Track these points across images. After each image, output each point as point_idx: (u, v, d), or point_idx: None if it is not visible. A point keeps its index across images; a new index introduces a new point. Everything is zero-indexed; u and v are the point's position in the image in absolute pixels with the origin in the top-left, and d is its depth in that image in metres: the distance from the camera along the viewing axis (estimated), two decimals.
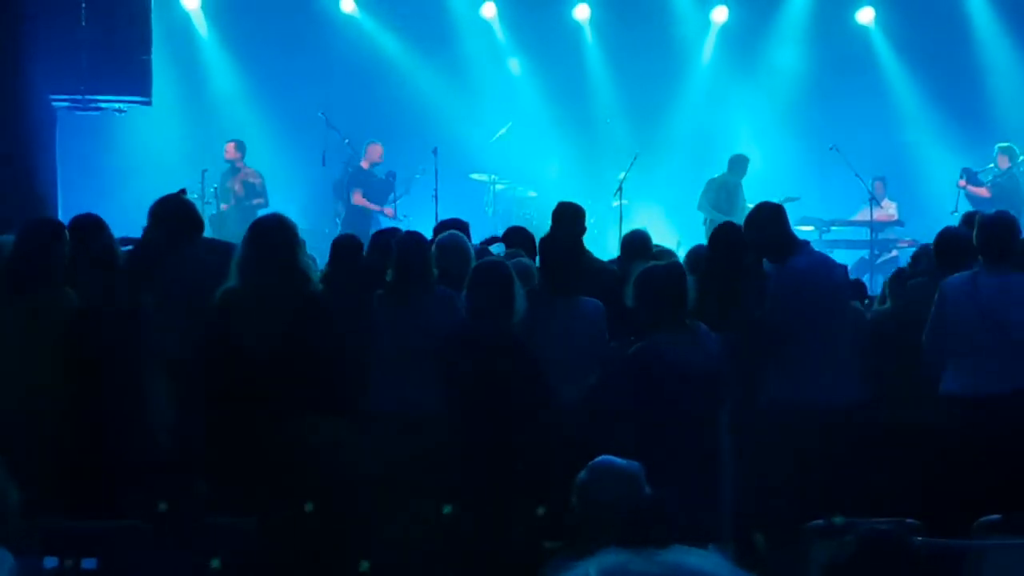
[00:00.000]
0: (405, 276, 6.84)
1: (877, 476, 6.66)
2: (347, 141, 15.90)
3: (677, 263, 6.32)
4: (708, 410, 6.01)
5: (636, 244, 8.33)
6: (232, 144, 15.40)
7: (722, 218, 14.55)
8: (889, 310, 7.73)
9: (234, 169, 15.31)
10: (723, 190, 15.23)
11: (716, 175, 15.47)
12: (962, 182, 15.08)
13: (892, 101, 17.57)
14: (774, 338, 6.78)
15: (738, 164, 15.41)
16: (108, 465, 6.12)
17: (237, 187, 15.19)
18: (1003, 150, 15.42)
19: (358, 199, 15.41)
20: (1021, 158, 15.48)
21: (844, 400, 6.79)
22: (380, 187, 15.64)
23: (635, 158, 15.90)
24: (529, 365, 6.27)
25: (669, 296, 6.02)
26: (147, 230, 7.10)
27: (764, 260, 7.18)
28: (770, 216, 7.15)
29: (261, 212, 12.65)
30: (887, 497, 6.36)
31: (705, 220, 15.16)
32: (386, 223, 14.60)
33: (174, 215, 7.06)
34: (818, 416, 6.64)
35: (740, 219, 14.47)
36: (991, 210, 8.28)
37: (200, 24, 16.96)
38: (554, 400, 6.33)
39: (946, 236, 7.52)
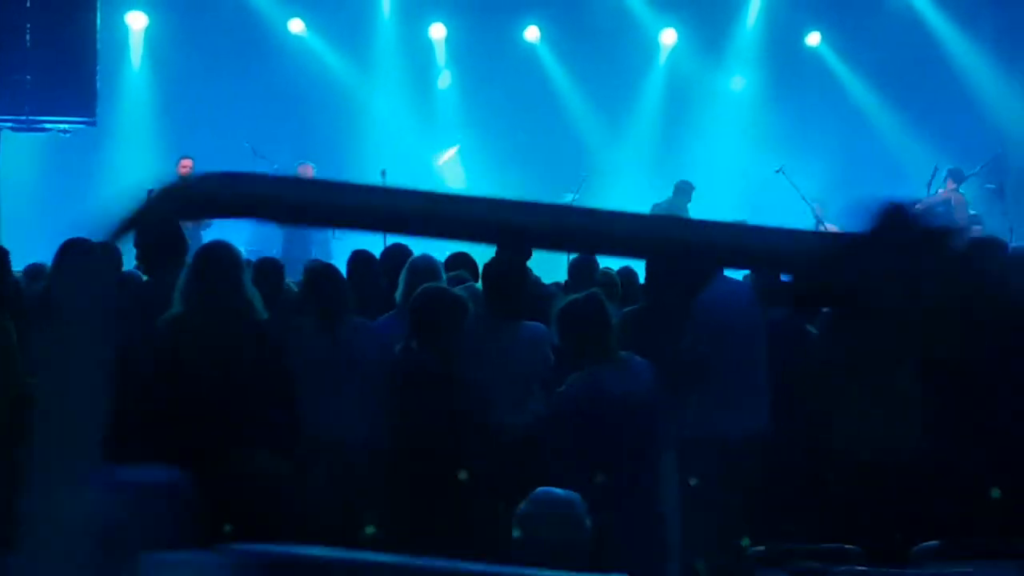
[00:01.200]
0: (319, 305, 6.84)
1: (812, 502, 6.69)
2: (276, 167, 15.84)
3: (594, 294, 6.30)
4: (644, 439, 5.99)
5: (583, 270, 8.32)
6: (189, 160, 15.17)
7: None
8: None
9: None
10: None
11: (661, 200, 15.56)
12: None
13: (842, 121, 17.69)
14: (691, 372, 6.80)
15: (683, 190, 15.51)
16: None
17: None
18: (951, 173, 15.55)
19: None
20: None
21: (760, 428, 6.78)
22: None
23: (583, 180, 15.98)
24: (470, 394, 6.27)
25: (588, 329, 6.02)
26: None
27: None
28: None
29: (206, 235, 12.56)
30: (824, 523, 6.40)
31: None
32: (330, 244, 14.63)
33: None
34: (738, 446, 6.64)
35: None
36: None
37: (137, 48, 16.79)
38: (492, 430, 6.31)
39: None
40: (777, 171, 15.44)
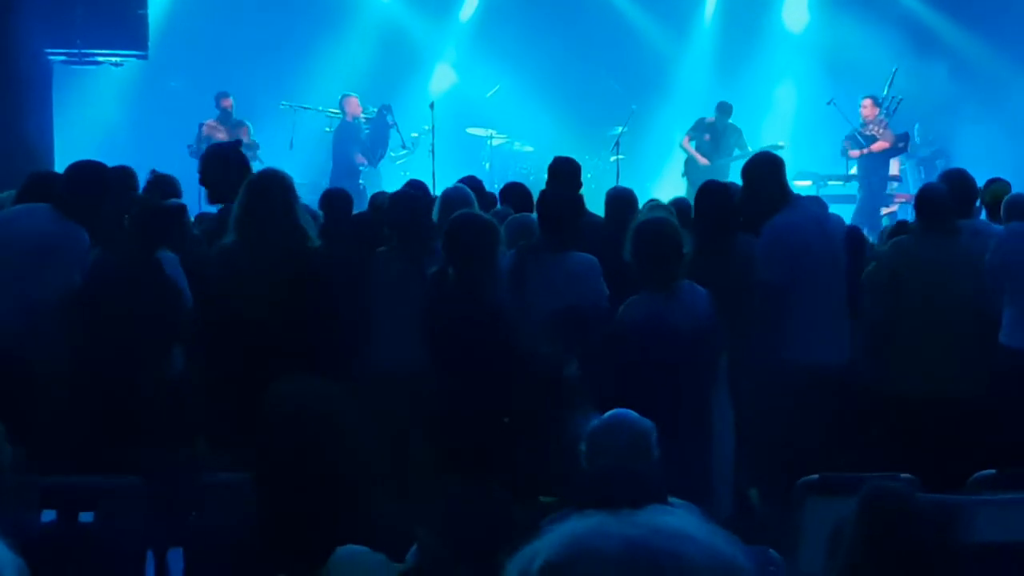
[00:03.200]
0: (403, 233, 6.81)
1: (870, 433, 6.67)
2: (321, 108, 15.87)
3: (667, 219, 6.25)
4: (694, 368, 5.94)
5: (620, 202, 8.23)
6: (230, 99, 15.21)
7: (697, 168, 14.87)
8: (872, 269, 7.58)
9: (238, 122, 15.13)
10: (709, 131, 15.36)
11: (706, 115, 15.51)
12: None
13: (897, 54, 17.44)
14: (764, 296, 6.73)
15: (724, 110, 15.44)
16: (109, 421, 6.11)
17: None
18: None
19: (360, 160, 15.37)
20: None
21: (836, 359, 6.74)
22: (375, 133, 15.58)
23: (632, 113, 15.88)
24: (502, 317, 6.20)
25: (654, 253, 5.98)
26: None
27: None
28: (767, 170, 7.06)
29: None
30: (881, 454, 6.38)
31: (683, 173, 15.24)
32: (373, 178, 14.67)
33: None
34: (810, 374, 6.58)
35: (722, 162, 14.90)
36: None
37: None
38: (530, 355, 6.26)
39: (926, 195, 7.33)
40: (829, 103, 15.28)
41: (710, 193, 7.15)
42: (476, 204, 7.21)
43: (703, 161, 15.28)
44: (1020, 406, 6.61)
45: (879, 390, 6.86)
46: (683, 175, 15.53)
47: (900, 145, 15.19)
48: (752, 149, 14.56)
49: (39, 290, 6.41)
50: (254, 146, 14.87)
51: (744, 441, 6.34)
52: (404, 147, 15.63)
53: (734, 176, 14.51)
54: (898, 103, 15.36)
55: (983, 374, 6.79)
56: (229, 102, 15.12)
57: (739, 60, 17.43)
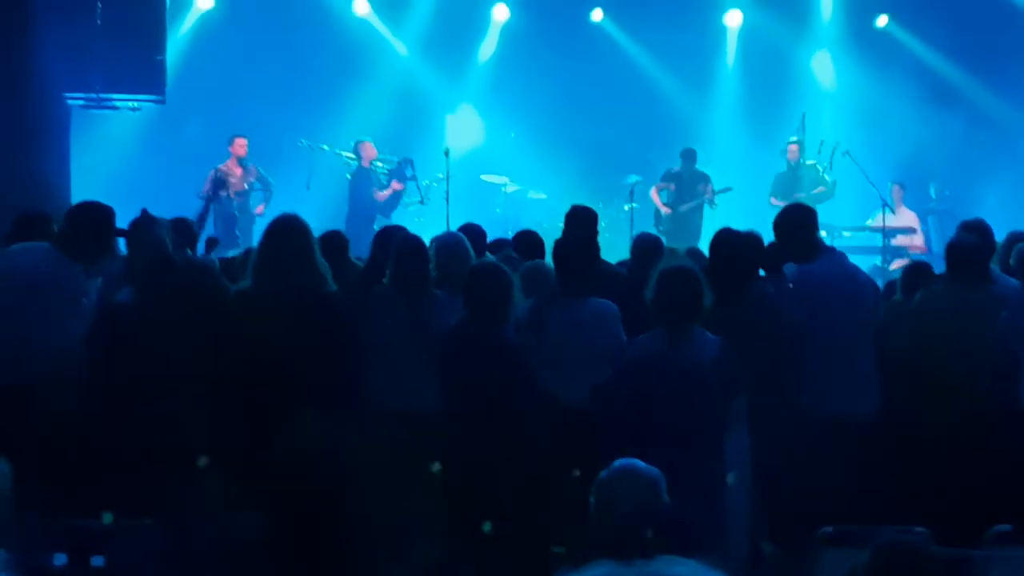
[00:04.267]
0: (403, 276, 6.85)
1: (887, 484, 6.63)
2: (338, 151, 15.95)
3: (692, 267, 6.28)
4: (702, 410, 5.89)
5: (647, 247, 8.28)
6: (243, 140, 15.09)
7: (661, 217, 15.44)
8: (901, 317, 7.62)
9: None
10: (675, 180, 15.72)
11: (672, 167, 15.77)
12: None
13: (912, 105, 17.48)
14: (790, 343, 6.74)
15: (687, 156, 15.78)
16: (120, 460, 6.12)
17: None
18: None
19: (379, 195, 15.49)
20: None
21: (860, 409, 6.74)
22: (393, 177, 15.70)
23: (647, 162, 15.95)
24: (521, 369, 6.27)
25: (673, 295, 6.00)
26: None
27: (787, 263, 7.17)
28: (800, 219, 7.12)
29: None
30: (898, 505, 6.35)
31: (653, 223, 15.54)
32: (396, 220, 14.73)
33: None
34: (833, 424, 6.59)
35: (685, 210, 14.99)
36: None
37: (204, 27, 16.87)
38: (552, 401, 6.29)
39: (958, 247, 7.43)
40: (844, 153, 15.29)
41: (721, 241, 7.17)
42: (471, 250, 7.22)
43: (664, 210, 15.58)
44: None
45: (897, 437, 6.85)
46: (653, 225, 15.65)
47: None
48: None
49: (37, 329, 6.43)
50: (267, 184, 14.97)
51: (760, 490, 6.31)
52: (422, 202, 15.64)
53: (708, 222, 14.82)
54: (832, 150, 15.42)
55: (1007, 426, 6.75)
56: (242, 143, 15.13)
57: (756, 109, 17.48)
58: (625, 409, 5.89)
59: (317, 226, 6.70)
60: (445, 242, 7.24)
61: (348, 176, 15.90)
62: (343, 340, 6.29)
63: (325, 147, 16.10)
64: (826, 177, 15.61)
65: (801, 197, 14.89)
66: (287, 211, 6.58)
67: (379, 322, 6.75)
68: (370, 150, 15.77)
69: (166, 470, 6.03)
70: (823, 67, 17.97)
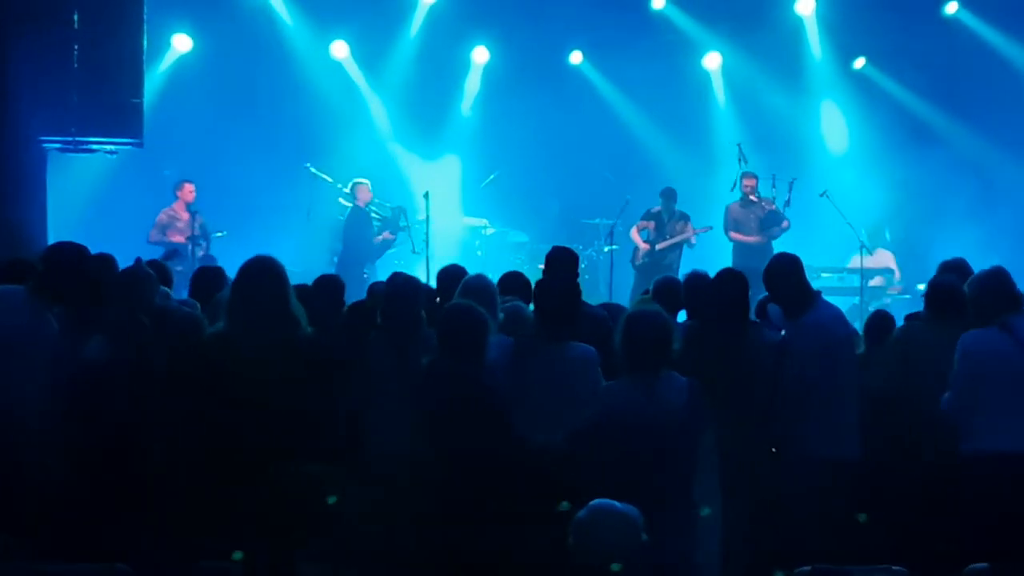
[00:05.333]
0: (394, 318, 6.80)
1: (872, 527, 6.63)
2: (339, 185, 15.96)
3: (659, 312, 6.26)
4: (672, 456, 5.92)
5: (664, 291, 8.16)
6: (191, 185, 14.84)
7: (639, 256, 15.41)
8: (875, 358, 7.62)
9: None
10: (655, 219, 15.70)
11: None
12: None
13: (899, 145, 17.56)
14: (795, 393, 6.77)
15: (667, 196, 15.80)
16: (94, 505, 6.05)
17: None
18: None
19: (387, 236, 15.49)
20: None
21: (845, 454, 6.79)
22: (386, 225, 15.71)
23: (626, 204, 15.94)
24: (491, 405, 6.23)
25: (641, 340, 6.02)
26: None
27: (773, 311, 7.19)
28: (790, 268, 7.13)
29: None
30: (880, 545, 6.34)
31: (631, 259, 15.54)
32: (379, 264, 14.72)
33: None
34: (817, 467, 6.62)
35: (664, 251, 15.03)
36: None
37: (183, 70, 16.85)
38: (524, 442, 6.25)
39: (940, 287, 7.45)
40: (821, 195, 15.31)
41: (712, 283, 7.21)
42: (420, 294, 7.14)
43: (644, 247, 15.59)
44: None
45: (878, 478, 6.86)
46: (630, 261, 15.67)
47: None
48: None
49: (9, 376, 6.35)
50: (207, 237, 14.69)
51: (732, 531, 6.31)
52: (414, 251, 15.56)
53: (686, 261, 14.84)
54: (789, 185, 15.47)
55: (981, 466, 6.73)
56: (190, 188, 14.96)
57: (729, 149, 17.55)
58: (601, 455, 5.87)
59: (311, 258, 6.68)
60: (472, 285, 7.18)
61: (341, 217, 15.83)
62: (317, 383, 6.22)
63: (329, 179, 16.00)
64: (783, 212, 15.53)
65: (771, 233, 14.99)
66: (261, 253, 6.49)
67: (372, 365, 6.72)
68: (366, 193, 15.75)
69: (144, 517, 5.97)
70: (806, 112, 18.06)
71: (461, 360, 6.28)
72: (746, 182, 15.54)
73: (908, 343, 7.34)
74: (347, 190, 15.89)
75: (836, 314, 7.19)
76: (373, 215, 15.83)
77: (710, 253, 14.87)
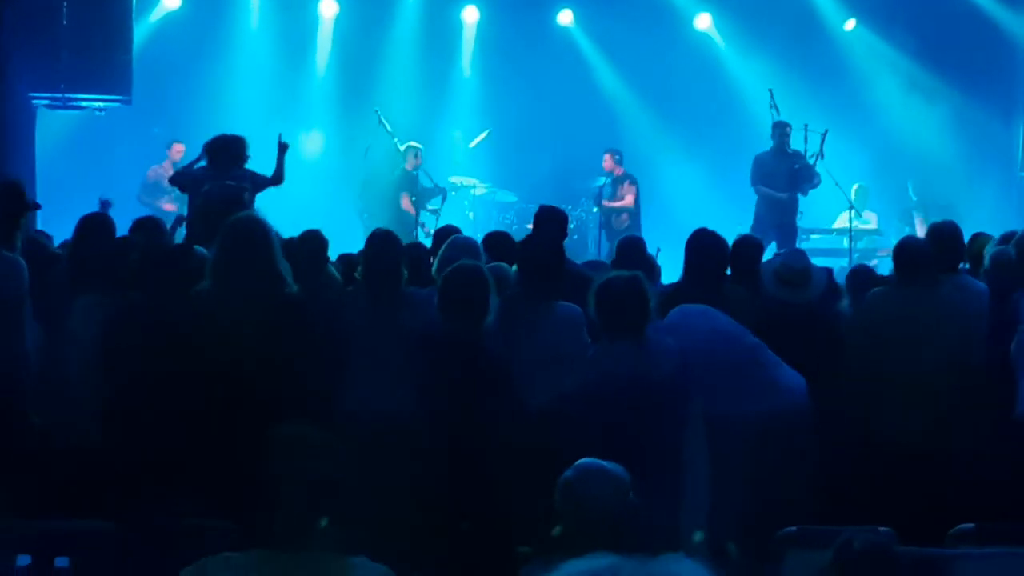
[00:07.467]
0: (373, 275, 6.79)
1: (851, 484, 6.65)
2: (396, 140, 15.64)
3: (636, 276, 6.17)
4: (662, 419, 5.90)
5: (631, 249, 8.21)
6: (181, 145, 14.92)
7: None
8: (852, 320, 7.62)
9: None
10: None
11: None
12: None
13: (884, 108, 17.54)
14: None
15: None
16: (88, 464, 6.08)
17: None
18: None
19: (406, 204, 15.27)
20: None
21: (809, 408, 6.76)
22: (426, 194, 15.52)
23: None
24: (496, 369, 6.21)
25: (621, 308, 5.90)
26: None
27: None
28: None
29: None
30: (862, 507, 6.37)
31: None
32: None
33: None
34: (774, 425, 6.59)
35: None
36: None
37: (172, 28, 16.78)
38: (524, 406, 6.24)
39: (906, 246, 7.42)
40: (812, 156, 15.20)
41: (698, 240, 7.21)
42: (399, 249, 7.10)
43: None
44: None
45: (861, 440, 6.86)
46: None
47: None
48: None
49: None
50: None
51: (722, 492, 6.32)
52: (428, 234, 15.43)
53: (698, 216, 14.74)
54: (821, 137, 14.84)
55: (966, 427, 6.76)
56: (180, 148, 14.94)
57: (721, 111, 17.54)
58: (592, 417, 5.88)
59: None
60: (459, 243, 7.17)
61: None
62: (304, 342, 6.21)
63: (389, 128, 15.77)
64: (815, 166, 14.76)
65: (803, 189, 14.59)
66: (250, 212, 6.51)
67: (351, 322, 6.71)
68: (415, 159, 15.54)
69: (130, 475, 5.99)
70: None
71: (466, 322, 6.18)
72: (783, 130, 14.54)
73: (875, 313, 7.29)
74: (402, 148, 15.59)
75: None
76: (422, 174, 15.52)
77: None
